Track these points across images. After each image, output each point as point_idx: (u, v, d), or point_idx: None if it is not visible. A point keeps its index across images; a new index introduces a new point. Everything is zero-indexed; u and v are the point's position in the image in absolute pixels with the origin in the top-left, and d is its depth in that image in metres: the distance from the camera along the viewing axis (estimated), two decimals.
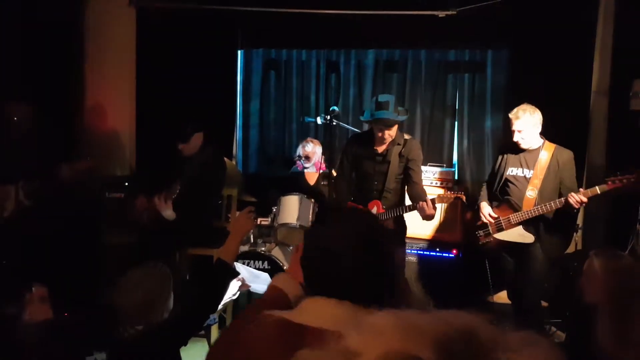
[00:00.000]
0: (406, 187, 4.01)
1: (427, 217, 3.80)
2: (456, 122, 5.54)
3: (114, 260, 3.78)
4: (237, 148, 6.00)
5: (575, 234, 4.80)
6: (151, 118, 5.09)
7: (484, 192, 4.08)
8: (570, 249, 4.84)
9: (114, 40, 4.90)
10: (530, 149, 3.81)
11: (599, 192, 3.51)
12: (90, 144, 4.81)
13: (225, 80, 5.76)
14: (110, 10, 4.86)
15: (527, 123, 3.73)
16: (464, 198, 3.83)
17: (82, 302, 2.47)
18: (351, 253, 1.38)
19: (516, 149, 3.85)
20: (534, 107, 3.78)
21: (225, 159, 4.56)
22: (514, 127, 3.75)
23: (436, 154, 5.46)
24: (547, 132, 4.53)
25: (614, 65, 4.55)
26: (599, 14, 4.65)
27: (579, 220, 4.85)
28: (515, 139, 3.77)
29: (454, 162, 5.51)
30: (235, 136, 5.95)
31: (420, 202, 3.73)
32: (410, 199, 3.97)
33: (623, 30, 4.43)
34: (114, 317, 2.13)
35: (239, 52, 5.90)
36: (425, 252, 4.87)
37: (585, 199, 3.53)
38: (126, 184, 4.22)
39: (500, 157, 3.99)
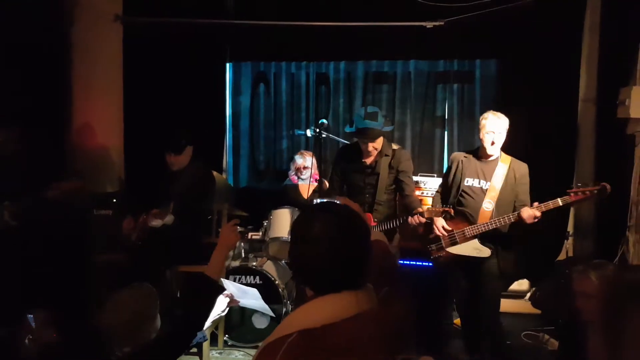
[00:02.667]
0: (399, 199, 4.00)
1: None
2: (446, 132, 5.56)
3: (103, 279, 3.74)
4: (227, 161, 5.99)
5: (566, 241, 4.82)
6: (140, 133, 5.08)
7: (436, 202, 3.92)
8: (562, 255, 4.86)
9: (101, 56, 4.88)
10: (490, 159, 3.66)
11: (560, 203, 3.38)
12: (78, 160, 4.78)
13: (214, 94, 5.75)
14: (96, 26, 4.84)
15: (501, 126, 3.58)
16: (451, 211, 3.77)
17: (69, 323, 2.44)
18: (326, 242, 1.41)
19: (475, 157, 3.70)
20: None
21: (216, 172, 4.54)
22: (490, 128, 3.56)
23: (427, 164, 5.47)
24: (536, 140, 4.54)
25: (600, 73, 4.60)
26: (584, 24, 4.70)
27: (570, 228, 4.87)
28: (489, 139, 3.58)
29: (444, 172, 5.51)
30: (225, 150, 5.93)
31: (409, 218, 3.73)
32: (403, 210, 3.95)
33: (608, 39, 4.48)
34: (101, 339, 2.10)
35: (228, 65, 5.90)
36: (411, 262, 4.83)
37: (539, 214, 3.39)
38: (114, 200, 4.20)
39: (454, 166, 3.79)
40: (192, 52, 5.41)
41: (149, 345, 2.19)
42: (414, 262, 4.72)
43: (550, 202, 3.40)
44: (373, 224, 3.88)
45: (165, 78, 5.27)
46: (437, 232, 3.73)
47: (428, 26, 4.88)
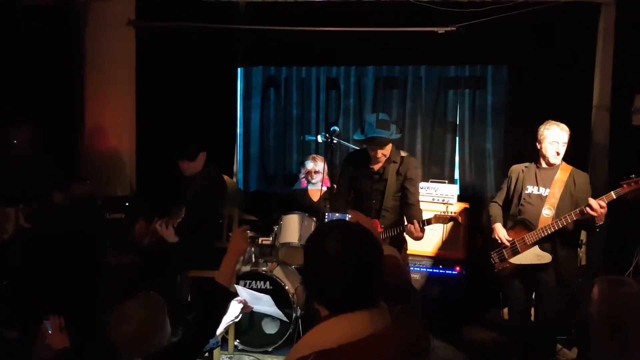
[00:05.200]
0: (402, 207, 3.95)
1: (416, 238, 3.76)
2: (457, 138, 5.52)
3: (115, 282, 3.75)
4: (237, 166, 5.98)
5: (579, 249, 4.76)
6: (152, 137, 5.10)
7: (495, 213, 3.89)
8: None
9: (114, 60, 4.92)
10: (550, 168, 3.70)
11: (614, 196, 3.34)
12: (90, 164, 4.80)
13: (225, 98, 5.76)
14: (109, 30, 4.88)
15: (565, 136, 3.63)
16: (459, 218, 3.74)
17: (82, 329, 2.45)
18: (340, 261, 1.42)
19: (535, 167, 3.73)
20: None
21: (226, 177, 4.54)
22: (554, 138, 3.61)
23: (437, 171, 5.44)
24: None
25: (614, 80, 4.54)
26: (598, 29, 4.66)
27: (582, 236, 4.82)
28: (553, 149, 3.62)
29: (455, 179, 5.48)
30: (235, 154, 5.94)
31: (409, 225, 3.71)
32: (406, 219, 3.92)
33: (623, 45, 4.43)
34: (110, 351, 2.10)
35: (239, 69, 5.91)
36: (428, 269, 4.84)
37: (604, 204, 3.33)
38: (127, 204, 4.21)
39: (514, 177, 3.84)
40: (204, 56, 5.42)
41: (161, 353, 2.18)
42: (440, 270, 4.73)
43: (603, 196, 3.37)
44: (380, 230, 3.86)
45: (177, 82, 5.28)
46: (502, 242, 3.72)
47: (440, 31, 4.87)
